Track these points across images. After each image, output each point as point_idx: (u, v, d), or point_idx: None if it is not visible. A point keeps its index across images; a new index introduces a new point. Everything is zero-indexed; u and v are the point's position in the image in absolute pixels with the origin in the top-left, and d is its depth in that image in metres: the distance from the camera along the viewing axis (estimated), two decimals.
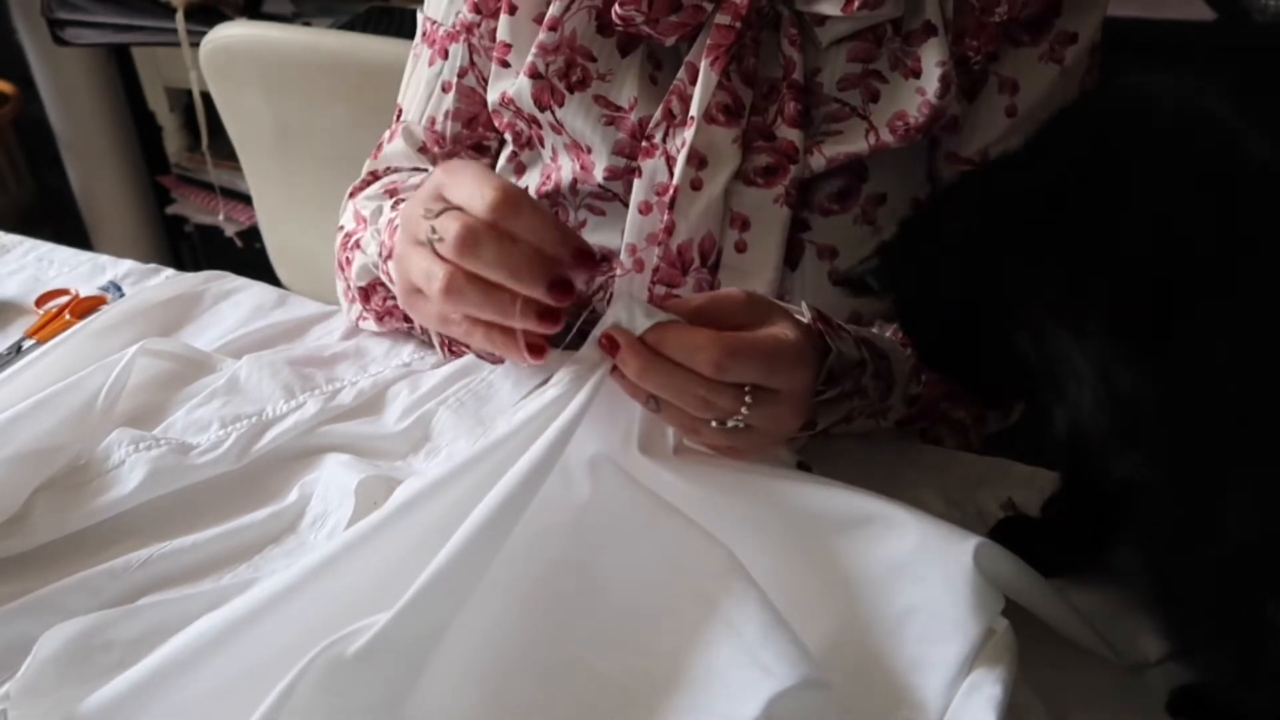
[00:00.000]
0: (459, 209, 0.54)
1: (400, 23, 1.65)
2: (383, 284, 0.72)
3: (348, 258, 0.76)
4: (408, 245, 0.58)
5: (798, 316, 0.60)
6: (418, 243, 0.56)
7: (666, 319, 0.55)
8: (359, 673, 0.45)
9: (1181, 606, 0.48)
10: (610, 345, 0.55)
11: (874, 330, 0.68)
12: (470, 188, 0.54)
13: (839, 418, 0.63)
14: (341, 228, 0.79)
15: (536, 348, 0.56)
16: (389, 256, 0.66)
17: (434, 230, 0.54)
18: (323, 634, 0.45)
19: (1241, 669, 0.46)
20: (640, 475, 0.57)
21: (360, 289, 0.76)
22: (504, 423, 0.56)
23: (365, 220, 0.74)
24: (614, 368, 0.56)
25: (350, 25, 1.68)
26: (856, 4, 0.65)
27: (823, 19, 0.67)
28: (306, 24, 1.69)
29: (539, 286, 0.53)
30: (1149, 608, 0.50)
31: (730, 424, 0.55)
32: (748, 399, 0.54)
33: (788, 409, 0.57)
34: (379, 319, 0.77)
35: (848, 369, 0.61)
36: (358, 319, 0.80)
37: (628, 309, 0.55)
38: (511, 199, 0.53)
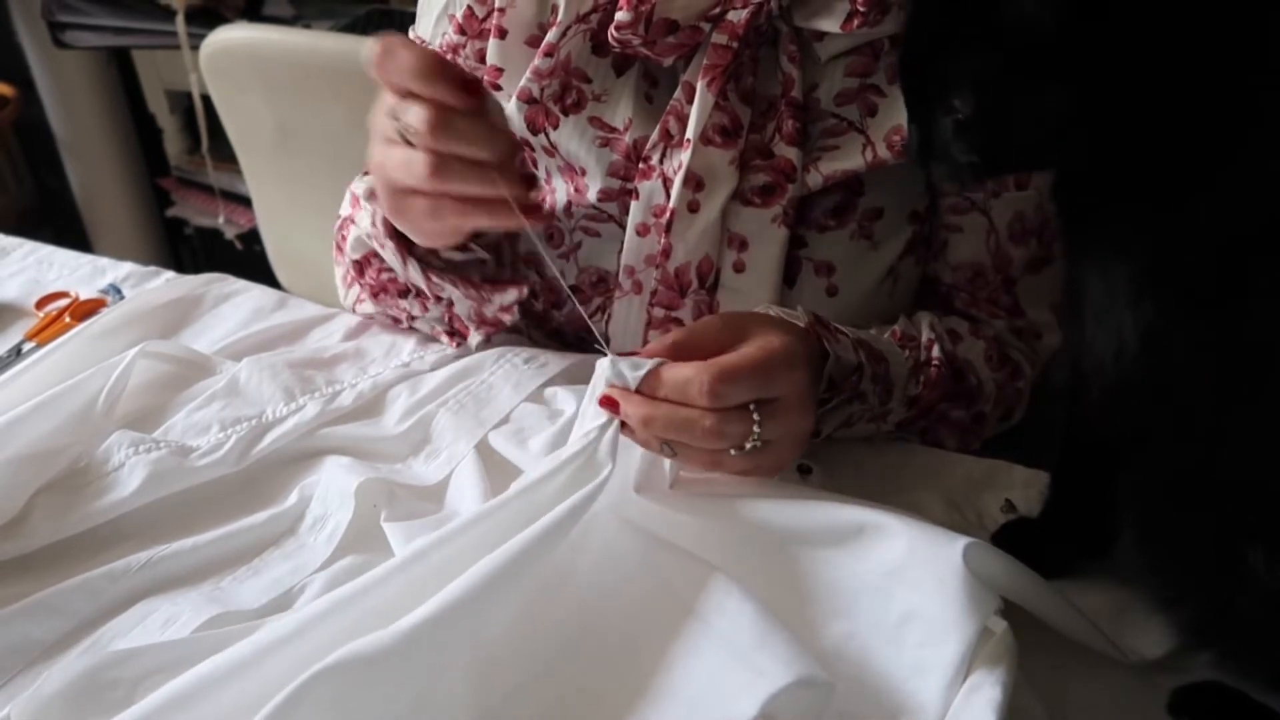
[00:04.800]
0: (419, 97, 0.57)
1: (400, 25, 1.65)
2: (377, 256, 0.73)
3: (343, 235, 0.77)
4: (383, 147, 0.60)
5: (791, 320, 0.60)
6: (390, 141, 0.58)
7: (653, 364, 0.55)
8: (362, 700, 0.45)
9: (1168, 552, 0.49)
10: (612, 405, 0.56)
11: (872, 333, 0.68)
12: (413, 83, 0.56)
13: (840, 423, 0.63)
14: (339, 215, 0.79)
15: (533, 209, 0.59)
16: (385, 231, 0.68)
17: (399, 122, 0.57)
18: None
19: (1219, 613, 0.47)
20: (635, 513, 0.58)
21: (355, 263, 0.76)
22: (505, 440, 0.56)
23: (359, 199, 0.74)
24: (623, 424, 0.56)
25: (350, 28, 1.68)
26: (856, 21, 0.64)
27: (822, 35, 0.66)
28: (306, 26, 1.69)
29: (509, 147, 0.57)
30: (1137, 560, 0.50)
31: (749, 446, 0.55)
32: (756, 418, 0.54)
33: (796, 412, 0.56)
34: (374, 295, 0.78)
35: (846, 374, 0.61)
36: (355, 304, 0.80)
37: (613, 369, 0.56)
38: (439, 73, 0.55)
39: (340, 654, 0.44)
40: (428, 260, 0.70)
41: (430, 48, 0.55)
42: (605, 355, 0.57)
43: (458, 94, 0.55)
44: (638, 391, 0.55)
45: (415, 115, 0.56)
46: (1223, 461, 0.45)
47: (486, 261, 0.72)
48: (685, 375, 0.53)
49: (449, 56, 0.77)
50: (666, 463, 0.59)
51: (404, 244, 0.69)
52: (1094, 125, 0.46)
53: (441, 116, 0.55)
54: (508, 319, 0.74)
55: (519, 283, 0.72)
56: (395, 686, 0.46)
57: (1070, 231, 0.52)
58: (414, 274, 0.70)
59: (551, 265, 0.72)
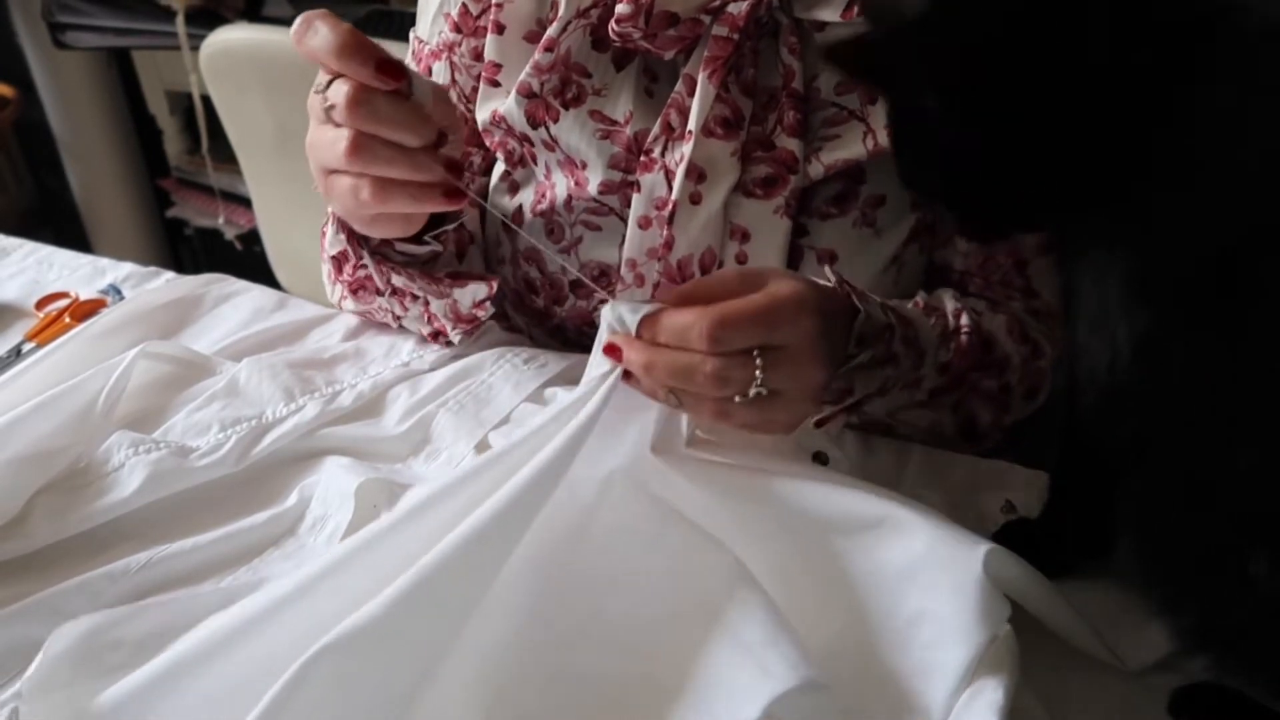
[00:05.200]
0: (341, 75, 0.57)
1: (401, 25, 1.65)
2: (351, 250, 0.73)
3: (324, 231, 0.77)
4: (314, 127, 0.60)
5: (820, 282, 0.59)
6: (320, 121, 0.59)
7: (654, 308, 0.55)
8: (365, 674, 0.45)
9: (1168, 561, 0.48)
10: (614, 352, 0.56)
11: (894, 301, 0.67)
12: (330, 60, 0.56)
13: (874, 389, 0.62)
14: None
15: (454, 192, 0.60)
16: (340, 223, 0.68)
17: (326, 99, 0.57)
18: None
19: (1218, 623, 0.47)
20: (650, 481, 0.57)
21: (333, 258, 0.77)
22: (505, 438, 0.56)
23: None
24: (627, 374, 0.56)
25: None
26: (857, 10, 0.64)
27: (822, 25, 0.66)
28: None
29: (432, 133, 0.57)
30: (1135, 567, 0.50)
31: (753, 393, 0.54)
32: (759, 362, 0.54)
33: (805, 361, 0.56)
34: (353, 293, 0.78)
35: (878, 331, 0.60)
36: (339, 300, 0.81)
37: (614, 313, 0.56)
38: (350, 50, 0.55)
39: (338, 630, 0.44)
40: (384, 253, 0.70)
41: (351, 26, 0.56)
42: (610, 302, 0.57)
43: (376, 74, 0.55)
44: (641, 339, 0.55)
45: (337, 91, 0.57)
46: (1223, 470, 0.45)
47: (442, 254, 0.73)
48: (685, 320, 0.53)
49: (444, 55, 0.77)
50: (683, 420, 0.59)
51: (358, 236, 0.69)
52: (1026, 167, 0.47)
53: (361, 94, 0.56)
54: (482, 314, 0.74)
55: (486, 278, 0.72)
56: (396, 660, 0.46)
57: (1059, 234, 0.52)
58: (370, 267, 0.70)
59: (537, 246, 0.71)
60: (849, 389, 0.61)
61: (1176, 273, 0.44)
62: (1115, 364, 0.46)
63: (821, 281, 0.60)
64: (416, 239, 0.68)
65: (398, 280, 0.70)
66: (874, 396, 0.63)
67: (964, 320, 0.68)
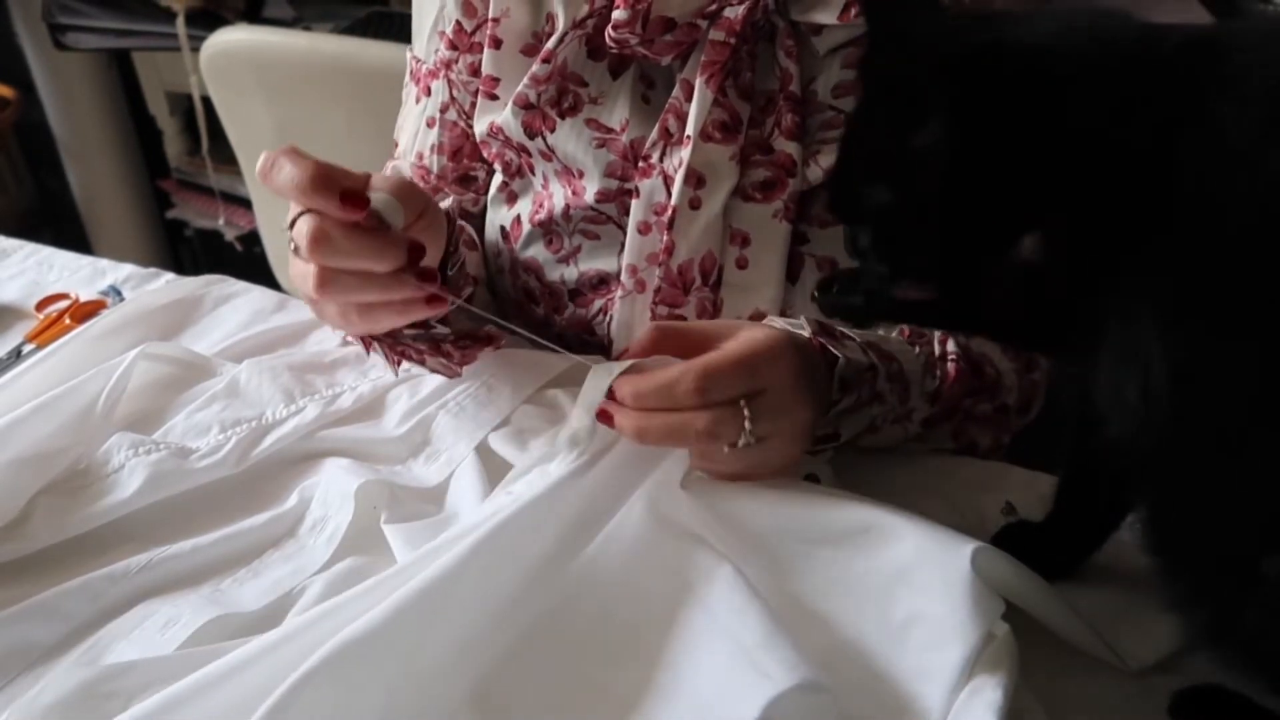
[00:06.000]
0: (306, 211, 0.57)
1: (400, 27, 1.65)
2: (357, 341, 0.73)
3: None
4: (291, 260, 0.61)
5: (798, 331, 0.60)
6: (294, 255, 0.59)
7: (627, 365, 0.56)
8: (361, 684, 0.45)
9: (1185, 558, 0.48)
10: (607, 418, 0.56)
11: (879, 334, 0.67)
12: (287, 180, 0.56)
13: (863, 428, 0.62)
14: None
15: (436, 299, 0.60)
16: None
17: (291, 238, 0.58)
18: None
19: (1225, 620, 0.47)
20: (647, 492, 0.58)
21: None
22: (509, 499, 0.57)
23: None
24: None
25: (350, 30, 1.68)
26: (854, 11, 0.64)
27: (819, 28, 0.66)
28: (306, 29, 1.69)
29: (400, 257, 0.57)
30: (1150, 564, 0.50)
31: (742, 442, 0.55)
32: (746, 412, 0.54)
33: (789, 403, 0.56)
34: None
35: (859, 374, 0.60)
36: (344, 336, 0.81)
37: (594, 378, 0.57)
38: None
39: (330, 645, 0.44)
40: (394, 335, 0.68)
41: (315, 161, 0.56)
42: (587, 361, 0.58)
43: (341, 206, 0.55)
44: (617, 398, 0.56)
45: (299, 230, 0.57)
46: (1246, 475, 0.44)
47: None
48: (670, 378, 0.53)
49: (442, 73, 0.78)
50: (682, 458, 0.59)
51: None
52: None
53: (320, 232, 0.55)
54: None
55: (493, 341, 0.71)
56: (393, 670, 0.46)
57: (1075, 257, 0.51)
58: (380, 350, 0.69)
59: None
60: (836, 433, 0.61)
61: (1213, 290, 0.44)
62: (1149, 394, 0.45)
63: (798, 330, 0.60)
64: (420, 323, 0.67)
65: (407, 362, 0.70)
66: (865, 434, 0.63)
67: (950, 347, 0.68)
